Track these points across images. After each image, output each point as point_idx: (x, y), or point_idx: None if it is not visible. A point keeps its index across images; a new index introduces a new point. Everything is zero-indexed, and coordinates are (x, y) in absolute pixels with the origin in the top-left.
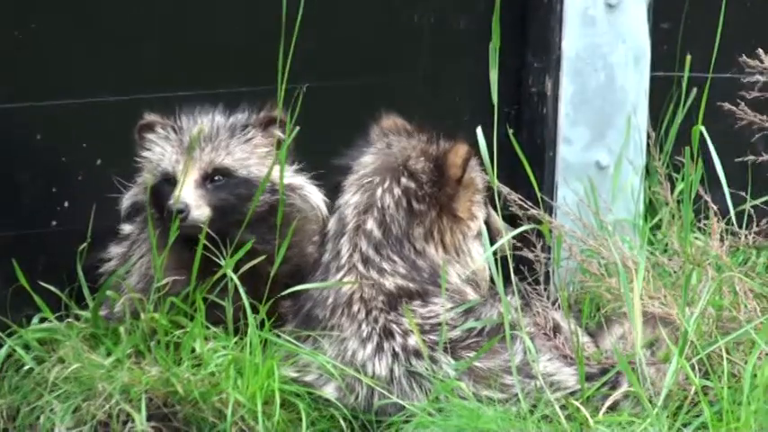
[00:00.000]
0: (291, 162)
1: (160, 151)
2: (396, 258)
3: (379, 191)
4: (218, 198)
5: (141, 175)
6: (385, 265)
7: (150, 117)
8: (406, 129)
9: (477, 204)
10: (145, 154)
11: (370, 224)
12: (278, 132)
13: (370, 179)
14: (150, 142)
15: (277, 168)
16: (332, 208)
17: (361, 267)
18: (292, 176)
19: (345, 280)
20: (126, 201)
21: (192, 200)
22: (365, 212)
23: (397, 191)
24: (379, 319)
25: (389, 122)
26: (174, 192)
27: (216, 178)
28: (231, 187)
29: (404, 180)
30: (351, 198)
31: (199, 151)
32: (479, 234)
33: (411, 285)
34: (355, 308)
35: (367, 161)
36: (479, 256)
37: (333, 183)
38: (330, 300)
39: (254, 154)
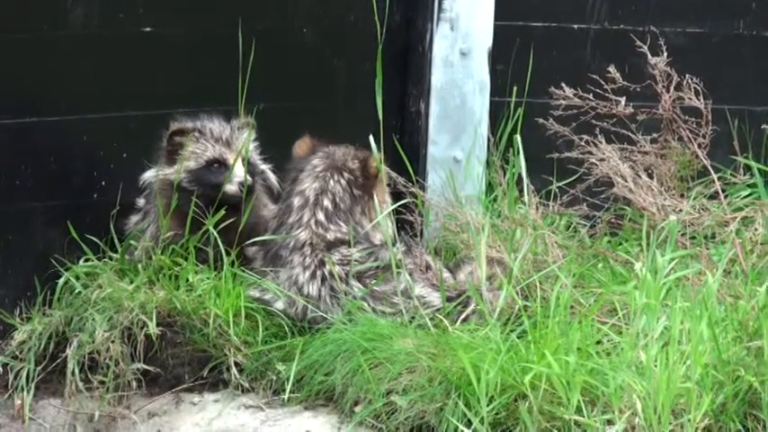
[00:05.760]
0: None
1: (202, 146)
2: (341, 223)
3: (331, 181)
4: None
5: (158, 162)
6: (331, 227)
7: (179, 124)
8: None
9: (386, 191)
10: (190, 148)
11: (326, 202)
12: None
13: (323, 173)
14: (186, 142)
15: (256, 155)
16: (291, 191)
17: (314, 227)
18: (262, 163)
19: (302, 235)
20: (149, 176)
21: (248, 176)
22: (322, 194)
23: (343, 181)
24: (318, 255)
25: (308, 141)
26: (231, 172)
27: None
28: (249, 169)
29: (346, 174)
30: (310, 185)
31: (234, 146)
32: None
33: (346, 238)
34: (305, 249)
35: (317, 162)
36: (386, 224)
37: (290, 176)
38: (291, 244)
39: (250, 147)
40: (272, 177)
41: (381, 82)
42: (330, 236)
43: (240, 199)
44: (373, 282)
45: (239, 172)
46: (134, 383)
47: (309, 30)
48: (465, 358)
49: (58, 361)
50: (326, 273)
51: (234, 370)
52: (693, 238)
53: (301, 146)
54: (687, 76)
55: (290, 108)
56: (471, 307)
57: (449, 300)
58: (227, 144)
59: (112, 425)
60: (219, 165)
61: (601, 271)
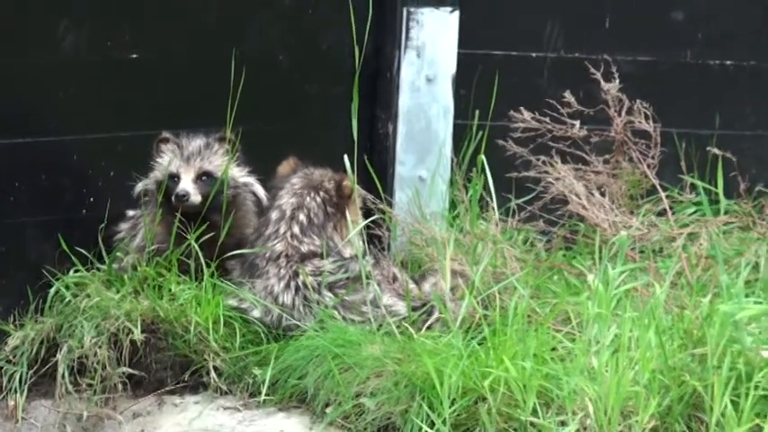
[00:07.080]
0: (244, 166)
1: (168, 159)
2: (314, 237)
3: (308, 198)
4: (205, 190)
5: (152, 171)
6: (305, 240)
7: (165, 134)
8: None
9: (359, 212)
10: (159, 159)
11: (302, 216)
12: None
13: (300, 190)
14: (163, 152)
15: (237, 170)
16: (270, 206)
17: (289, 239)
18: (246, 176)
19: (278, 246)
20: (138, 187)
21: (191, 189)
22: (298, 209)
23: (318, 199)
24: (292, 266)
25: (292, 162)
26: (178, 185)
27: (203, 178)
28: (212, 184)
29: (322, 193)
30: (288, 200)
31: (193, 160)
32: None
33: (318, 251)
34: (281, 260)
35: (296, 180)
36: (357, 240)
37: (270, 192)
38: (267, 255)
39: (223, 162)
40: (260, 190)
41: (357, 106)
42: (304, 248)
43: (197, 210)
44: (344, 292)
45: (183, 185)
46: (120, 386)
47: (285, 57)
48: (429, 363)
49: (49, 365)
50: (300, 283)
51: (213, 374)
52: (642, 252)
53: (285, 166)
54: (638, 101)
55: (268, 131)
56: (435, 315)
57: (414, 309)
58: (187, 160)
59: (100, 424)
60: (175, 179)
61: (556, 282)
